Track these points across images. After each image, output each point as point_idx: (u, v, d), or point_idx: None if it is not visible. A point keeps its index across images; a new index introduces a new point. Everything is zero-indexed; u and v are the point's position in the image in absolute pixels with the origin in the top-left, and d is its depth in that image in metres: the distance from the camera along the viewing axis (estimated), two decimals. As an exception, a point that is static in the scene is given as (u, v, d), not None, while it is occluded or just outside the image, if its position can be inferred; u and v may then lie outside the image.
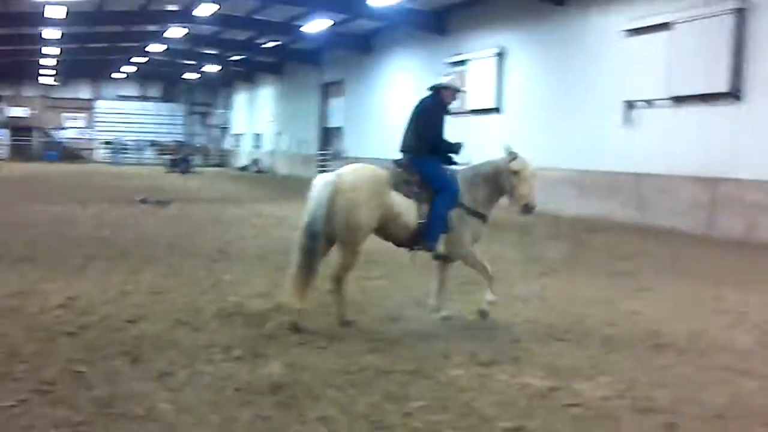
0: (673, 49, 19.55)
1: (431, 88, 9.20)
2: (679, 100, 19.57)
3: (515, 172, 8.49)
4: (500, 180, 8.63)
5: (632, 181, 20.95)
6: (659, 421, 5.65)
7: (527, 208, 8.58)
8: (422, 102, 9.16)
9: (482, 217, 8.73)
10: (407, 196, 8.42)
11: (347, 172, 8.35)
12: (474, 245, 8.80)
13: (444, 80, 9.34)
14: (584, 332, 8.39)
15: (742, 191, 17.67)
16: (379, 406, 5.81)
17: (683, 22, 19.22)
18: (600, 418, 5.72)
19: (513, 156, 8.59)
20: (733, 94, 17.96)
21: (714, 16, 18.32)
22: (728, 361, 7.35)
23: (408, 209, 8.38)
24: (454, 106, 9.41)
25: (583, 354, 7.47)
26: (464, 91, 9.33)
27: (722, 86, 18.09)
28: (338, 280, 8.36)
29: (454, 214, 8.50)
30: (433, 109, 9.00)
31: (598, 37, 22.59)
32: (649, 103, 20.61)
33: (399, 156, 9.10)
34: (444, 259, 8.84)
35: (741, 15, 17.74)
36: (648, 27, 20.47)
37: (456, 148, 8.96)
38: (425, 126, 8.87)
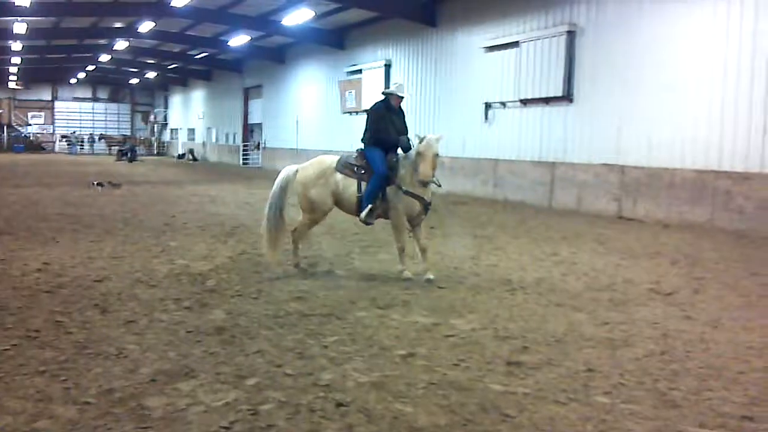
0: (521, 62, 19.89)
1: (383, 94, 9.23)
2: (525, 102, 19.95)
3: (419, 153, 8.40)
4: (417, 160, 8.47)
5: (490, 165, 21.40)
6: (515, 346, 5.87)
7: (421, 182, 8.46)
8: (374, 105, 9.20)
9: (416, 198, 8.53)
10: (350, 176, 8.72)
11: (305, 163, 9.16)
12: (409, 218, 8.67)
13: (391, 89, 9.23)
14: (456, 281, 8.60)
15: (573, 172, 18.25)
16: (303, 341, 5.89)
17: (529, 41, 19.59)
18: (471, 344, 5.92)
19: (420, 139, 8.49)
20: (567, 97, 18.42)
21: (552, 36, 18.73)
22: (564, 300, 7.66)
23: (350, 186, 8.70)
24: (401, 107, 9.21)
25: (456, 297, 7.68)
26: (403, 96, 9.10)
27: (558, 91, 18.52)
28: (295, 236, 9.07)
29: (390, 190, 8.62)
30: (378, 111, 9.00)
31: (464, 52, 22.81)
32: (503, 104, 20.96)
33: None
34: (369, 224, 9.00)
35: (571, 36, 18.20)
36: (502, 45, 20.77)
37: (400, 142, 8.84)
38: (371, 123, 8.92)
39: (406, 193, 8.57)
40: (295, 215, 9.61)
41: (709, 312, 7.28)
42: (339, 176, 8.75)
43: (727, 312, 7.30)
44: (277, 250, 8.89)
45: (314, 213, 8.90)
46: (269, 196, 9.00)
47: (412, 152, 8.61)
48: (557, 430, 4.24)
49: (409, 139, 8.89)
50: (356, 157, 8.86)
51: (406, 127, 9.18)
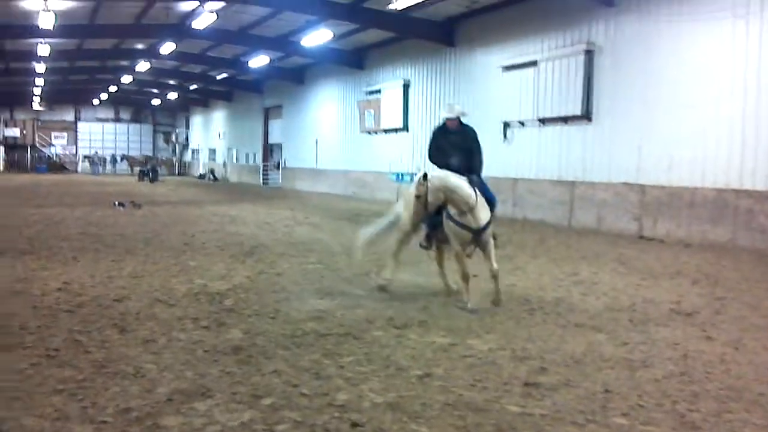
0: (539, 81, 19.88)
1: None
2: (544, 121, 19.93)
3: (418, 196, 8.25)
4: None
5: (510, 184, 21.34)
6: (532, 367, 5.84)
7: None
8: (435, 128, 9.06)
9: (461, 226, 8.12)
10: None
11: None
12: (462, 246, 8.30)
13: (444, 113, 8.86)
14: (475, 301, 8.54)
15: (593, 191, 18.18)
16: (319, 361, 5.89)
17: (547, 60, 19.61)
18: (488, 364, 5.90)
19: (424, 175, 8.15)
20: (585, 116, 18.39)
21: (570, 56, 18.75)
22: (583, 320, 7.61)
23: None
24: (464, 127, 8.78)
25: (474, 317, 7.64)
26: (452, 116, 8.64)
27: (577, 110, 18.50)
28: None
29: (444, 218, 8.31)
30: (433, 134, 8.91)
31: (482, 71, 22.87)
32: (521, 123, 20.94)
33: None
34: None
35: (590, 55, 18.21)
36: (520, 64, 20.77)
37: (450, 165, 8.39)
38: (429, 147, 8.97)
39: (453, 221, 8.17)
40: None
41: (730, 332, 7.20)
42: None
43: (749, 332, 7.21)
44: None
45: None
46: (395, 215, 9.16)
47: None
48: (574, 452, 4.21)
49: (459, 161, 8.44)
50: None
51: (470, 147, 8.59)
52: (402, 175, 27.00)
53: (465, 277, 8.28)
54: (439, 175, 8.17)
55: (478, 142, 8.70)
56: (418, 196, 8.03)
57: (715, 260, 12.59)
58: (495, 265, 8.26)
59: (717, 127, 14.76)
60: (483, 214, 8.10)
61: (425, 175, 8.00)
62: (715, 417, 4.76)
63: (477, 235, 8.14)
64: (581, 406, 4.91)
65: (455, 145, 8.58)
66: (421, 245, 8.93)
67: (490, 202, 8.43)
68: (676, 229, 15.58)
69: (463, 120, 8.82)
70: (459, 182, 8.07)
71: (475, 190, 8.07)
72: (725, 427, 4.59)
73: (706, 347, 6.59)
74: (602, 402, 5.02)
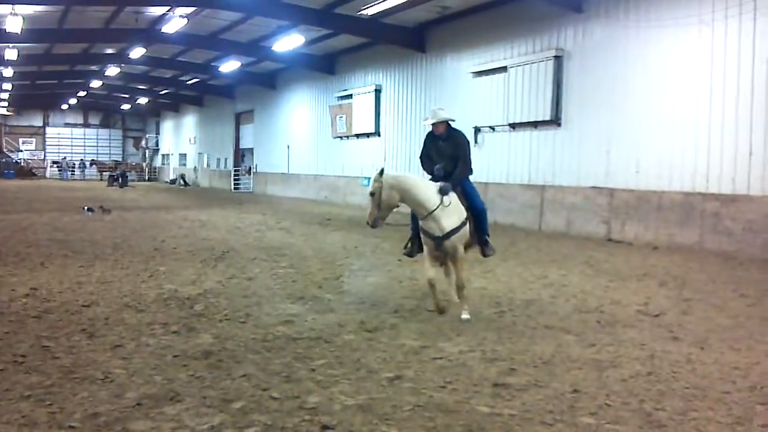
0: (509, 86, 20.02)
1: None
2: (514, 126, 20.06)
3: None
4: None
5: (481, 188, 21.16)
6: (502, 368, 5.88)
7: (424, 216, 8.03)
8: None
9: (425, 233, 7.90)
10: None
11: None
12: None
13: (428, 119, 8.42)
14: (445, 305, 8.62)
15: (562, 195, 18.35)
16: (290, 365, 5.88)
17: (517, 65, 19.74)
18: (458, 366, 5.93)
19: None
20: (555, 121, 18.56)
21: (540, 61, 18.89)
22: (553, 322, 7.68)
23: None
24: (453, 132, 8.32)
25: (445, 320, 7.68)
26: (434, 121, 8.22)
27: (547, 115, 18.65)
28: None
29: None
30: (424, 141, 8.48)
31: (453, 77, 22.99)
32: (492, 128, 21.06)
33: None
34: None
35: (559, 60, 18.38)
36: (490, 69, 20.93)
37: (435, 171, 8.11)
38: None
39: (418, 225, 8.01)
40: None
41: (697, 333, 7.31)
42: None
43: (715, 333, 7.33)
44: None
45: None
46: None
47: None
48: (543, 452, 4.25)
49: (441, 168, 8.06)
50: None
51: (456, 154, 8.18)
52: (374, 179, 26.97)
53: (429, 283, 7.94)
54: (396, 173, 8.01)
55: (464, 147, 8.24)
56: (372, 193, 7.71)
57: (683, 262, 12.77)
58: (459, 277, 7.86)
59: (684, 131, 14.98)
60: (447, 221, 7.64)
61: (381, 171, 7.74)
62: (681, 415, 4.83)
63: (438, 243, 7.73)
64: (550, 406, 4.96)
65: (442, 152, 8.18)
66: (403, 253, 8.78)
67: (477, 210, 8.14)
68: (644, 231, 15.78)
69: (453, 125, 8.34)
70: (417, 184, 7.78)
71: (442, 197, 7.67)
72: (690, 425, 4.66)
73: (672, 347, 6.68)
74: (570, 402, 5.07)
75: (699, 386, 5.49)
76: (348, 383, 5.41)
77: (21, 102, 59.07)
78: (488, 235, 8.31)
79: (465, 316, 7.73)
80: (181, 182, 52.93)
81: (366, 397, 5.08)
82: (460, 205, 7.88)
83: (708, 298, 9.36)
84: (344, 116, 29.91)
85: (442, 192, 7.74)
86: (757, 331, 7.44)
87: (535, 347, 6.58)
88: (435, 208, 7.64)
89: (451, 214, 7.72)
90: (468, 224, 7.89)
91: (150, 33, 29.46)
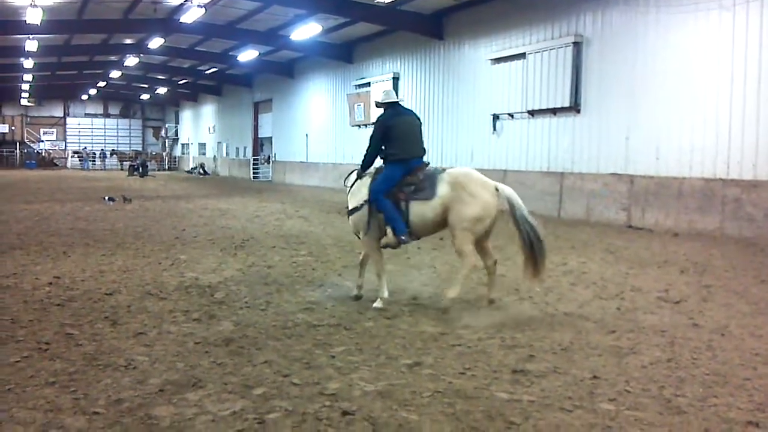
0: (528, 73, 19.93)
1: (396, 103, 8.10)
2: (533, 113, 19.98)
3: None
4: None
5: (499, 175, 21.29)
6: (521, 354, 5.89)
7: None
8: (411, 114, 8.16)
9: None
10: None
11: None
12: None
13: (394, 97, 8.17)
14: (464, 291, 8.52)
15: (582, 182, 18.27)
16: (310, 351, 5.92)
17: (535, 52, 19.64)
18: (477, 353, 5.93)
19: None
20: (574, 108, 18.46)
21: (558, 47, 18.78)
22: (572, 309, 7.66)
23: None
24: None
25: (463, 307, 7.64)
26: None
27: (566, 101, 18.55)
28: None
29: None
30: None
31: (471, 64, 22.91)
32: (511, 115, 20.99)
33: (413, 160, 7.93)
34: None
35: (578, 47, 18.26)
36: (508, 56, 20.83)
37: None
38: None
39: None
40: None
41: (717, 319, 7.27)
42: None
43: (735, 319, 7.28)
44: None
45: None
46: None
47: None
48: (562, 437, 4.26)
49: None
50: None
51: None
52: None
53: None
54: None
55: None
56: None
57: (703, 249, 12.68)
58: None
59: (704, 117, 14.84)
60: (350, 202, 8.11)
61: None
62: (701, 401, 4.82)
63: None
64: (569, 393, 4.96)
65: None
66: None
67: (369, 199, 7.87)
68: (664, 218, 15.68)
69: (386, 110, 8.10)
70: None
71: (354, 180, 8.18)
72: (710, 411, 4.64)
73: (693, 334, 6.65)
74: (590, 388, 5.06)
75: (719, 372, 5.46)
76: (368, 369, 5.44)
77: (41, 93, 59.57)
78: (394, 228, 7.65)
79: (376, 304, 7.63)
80: (201, 171, 53.19)
81: (385, 384, 5.11)
82: (362, 189, 7.93)
83: (729, 284, 9.30)
84: (362, 104, 29.87)
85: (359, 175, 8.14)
86: (779, 317, 7.39)
87: (554, 334, 6.57)
88: (348, 189, 8.26)
89: (353, 195, 8.08)
90: (366, 209, 7.82)
91: (168, 23, 29.55)
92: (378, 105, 8.21)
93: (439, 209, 7.53)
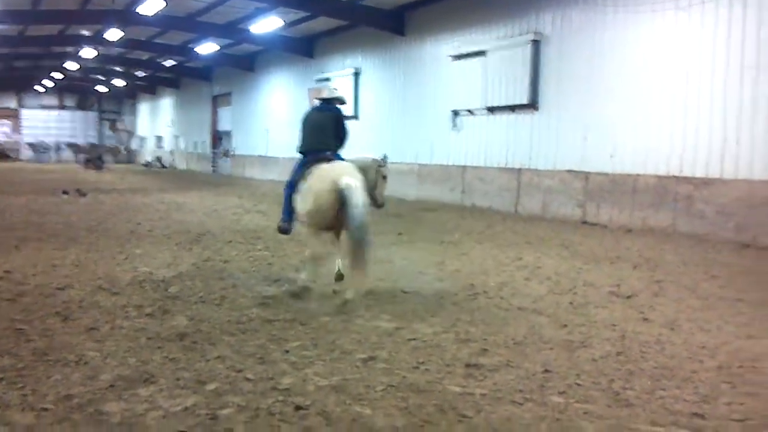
0: (488, 70, 20.03)
1: (330, 100, 8.66)
2: (492, 109, 20.08)
3: (384, 176, 8.44)
4: (369, 174, 8.25)
5: (458, 171, 21.54)
6: (474, 349, 5.94)
7: (380, 205, 8.52)
8: (329, 110, 8.51)
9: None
10: None
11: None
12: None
13: (337, 94, 8.75)
14: (420, 286, 8.64)
15: (539, 178, 18.44)
16: (264, 346, 5.89)
17: (495, 50, 19.73)
18: (431, 347, 5.98)
19: (385, 163, 8.53)
20: (532, 105, 18.60)
21: (517, 45, 18.90)
22: (526, 304, 7.75)
23: None
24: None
25: (419, 302, 7.73)
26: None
27: (524, 99, 18.68)
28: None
29: None
30: (344, 116, 8.61)
31: (432, 60, 22.93)
32: (470, 112, 21.08)
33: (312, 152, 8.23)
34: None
35: (536, 45, 18.40)
36: (468, 53, 20.88)
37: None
38: (345, 129, 8.48)
39: None
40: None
41: (667, 314, 7.42)
42: None
43: (685, 314, 7.45)
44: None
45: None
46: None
47: (365, 161, 8.46)
48: (512, 430, 4.31)
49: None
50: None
51: None
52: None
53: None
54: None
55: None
56: (384, 177, 8.49)
57: (656, 245, 12.92)
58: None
59: (659, 116, 15.10)
60: None
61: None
62: (649, 394, 4.93)
63: None
64: (520, 386, 5.03)
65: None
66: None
67: None
68: (618, 214, 15.93)
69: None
70: None
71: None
72: (657, 404, 4.75)
73: (643, 328, 6.78)
74: (541, 381, 5.14)
75: (667, 366, 5.59)
76: (322, 364, 5.45)
77: (-5, 84, 58.25)
78: (284, 219, 8.33)
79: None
80: (158, 164, 52.49)
81: (339, 378, 5.12)
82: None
83: (680, 279, 9.50)
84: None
85: None
86: (727, 312, 7.57)
87: (508, 328, 6.65)
88: None
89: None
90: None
91: (127, 14, 29.01)
92: (316, 100, 8.60)
93: (299, 202, 7.93)
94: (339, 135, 8.43)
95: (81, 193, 22.15)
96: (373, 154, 8.86)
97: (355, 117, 27.54)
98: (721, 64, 13.87)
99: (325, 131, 8.28)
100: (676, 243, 13.23)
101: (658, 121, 15.12)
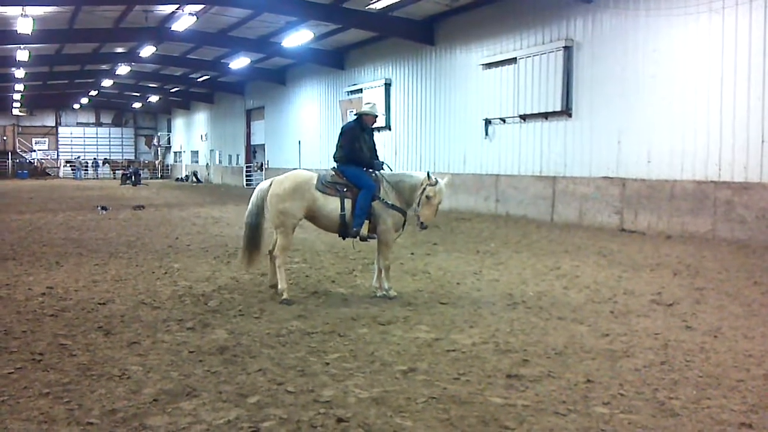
0: (519, 78, 19.98)
1: (356, 115, 9.11)
2: (525, 117, 20.00)
3: (428, 197, 8.39)
4: (414, 194, 8.49)
5: (492, 180, 21.47)
6: (515, 359, 5.90)
7: (423, 225, 8.49)
8: (347, 125, 9.09)
9: (401, 212, 8.57)
10: (332, 195, 8.51)
11: (280, 177, 8.79)
12: (397, 233, 8.74)
13: (365, 108, 9.05)
14: (458, 296, 8.64)
15: (574, 186, 18.31)
16: (304, 359, 5.92)
17: (526, 57, 19.69)
18: (471, 358, 5.95)
19: (432, 183, 8.43)
20: (565, 112, 18.51)
21: (549, 52, 18.84)
22: (565, 313, 7.69)
23: (329, 204, 8.49)
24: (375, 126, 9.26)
25: (457, 312, 7.71)
26: (377, 115, 9.22)
27: (557, 106, 18.61)
28: (272, 256, 8.82)
29: (376, 205, 8.50)
30: (353, 131, 8.84)
31: (463, 69, 22.94)
32: (503, 120, 21.02)
33: (334, 165, 8.96)
34: (368, 241, 8.83)
35: (568, 51, 18.33)
36: (500, 61, 20.88)
37: (375, 165, 8.80)
38: (346, 143, 8.75)
39: (393, 207, 8.55)
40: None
41: (710, 322, 7.30)
42: (318, 194, 8.50)
43: (728, 321, 7.32)
44: (253, 264, 9.05)
45: (285, 228, 8.59)
46: (246, 214, 8.93)
47: (409, 178, 8.70)
48: (556, 441, 4.27)
49: (383, 163, 8.92)
50: (333, 175, 8.70)
51: (374, 145, 9.12)
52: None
53: (390, 265, 8.91)
54: (442, 184, 8.59)
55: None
56: (428, 197, 8.44)
57: (695, 251, 12.72)
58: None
59: (695, 120, 14.91)
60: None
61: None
62: (694, 404, 4.84)
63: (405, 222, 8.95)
64: (563, 397, 4.97)
65: (367, 143, 8.96)
66: (364, 238, 8.72)
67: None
68: (656, 221, 15.73)
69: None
70: None
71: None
72: (704, 413, 4.66)
73: (686, 336, 6.68)
74: (584, 392, 5.08)
75: (713, 375, 5.49)
76: (362, 376, 5.45)
77: (33, 102, 59.57)
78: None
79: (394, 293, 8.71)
80: (194, 179, 53.11)
81: (380, 390, 5.11)
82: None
83: (721, 286, 9.35)
84: (354, 111, 29.85)
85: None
86: (771, 319, 7.42)
87: (547, 338, 6.60)
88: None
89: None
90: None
91: (160, 31, 29.55)
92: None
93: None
94: (343, 147, 8.95)
95: (139, 207, 23.20)
96: (404, 165, 9.11)
97: (387, 127, 27.61)
98: (757, 65, 13.67)
99: (338, 143, 9.02)
100: (715, 249, 13.01)
101: (695, 125, 14.92)
